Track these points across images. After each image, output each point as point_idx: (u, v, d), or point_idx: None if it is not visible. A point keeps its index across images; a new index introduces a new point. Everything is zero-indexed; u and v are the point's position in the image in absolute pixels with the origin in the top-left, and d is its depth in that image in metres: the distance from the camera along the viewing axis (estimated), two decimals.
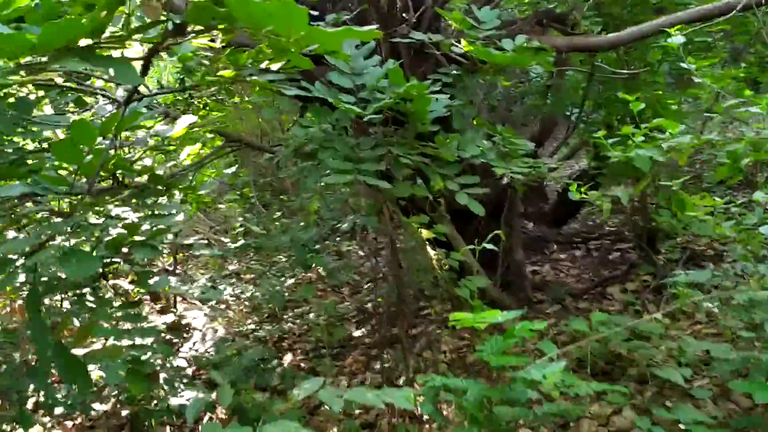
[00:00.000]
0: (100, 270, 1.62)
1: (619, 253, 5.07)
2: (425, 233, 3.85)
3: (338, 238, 4.26)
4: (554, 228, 5.68)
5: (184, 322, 5.49)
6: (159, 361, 3.14)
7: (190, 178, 3.17)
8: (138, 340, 1.94)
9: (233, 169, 6.34)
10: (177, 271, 5.30)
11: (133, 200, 1.49)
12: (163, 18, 1.12)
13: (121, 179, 1.53)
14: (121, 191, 1.51)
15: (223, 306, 5.75)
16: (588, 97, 4.03)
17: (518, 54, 2.92)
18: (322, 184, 2.74)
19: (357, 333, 5.24)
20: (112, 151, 1.55)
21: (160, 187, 1.57)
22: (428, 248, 4.05)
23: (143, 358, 2.01)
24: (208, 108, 2.90)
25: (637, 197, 2.27)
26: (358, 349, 4.92)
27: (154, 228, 1.46)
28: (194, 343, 4.03)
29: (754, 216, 2.38)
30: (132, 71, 1.01)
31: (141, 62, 1.19)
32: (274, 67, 1.49)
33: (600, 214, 6.20)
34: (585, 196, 2.34)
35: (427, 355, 4.53)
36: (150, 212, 1.46)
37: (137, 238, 1.43)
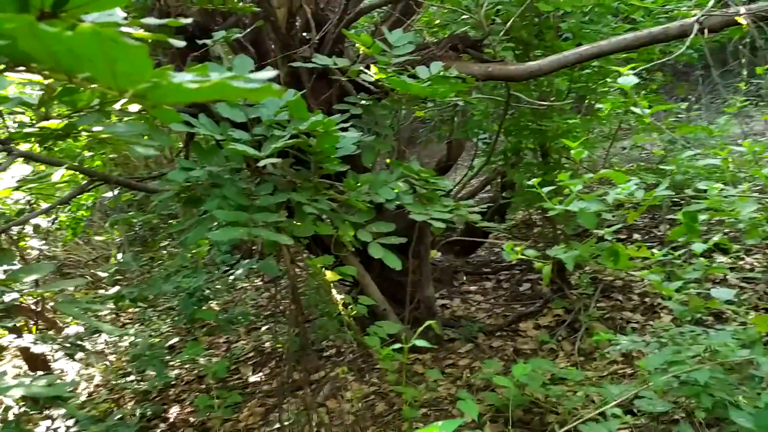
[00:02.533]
0: None
1: (530, 285, 4.89)
2: (330, 275, 3.47)
3: (231, 278, 3.78)
4: (462, 257, 5.45)
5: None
6: None
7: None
8: None
9: (116, 191, 5.68)
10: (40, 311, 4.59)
11: None
12: None
13: None
14: None
15: (99, 349, 5.10)
16: (502, 126, 3.79)
17: (436, 83, 2.61)
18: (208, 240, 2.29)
19: (254, 378, 4.76)
20: None
21: None
22: (333, 291, 3.66)
23: None
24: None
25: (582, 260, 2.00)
26: (255, 398, 4.45)
27: None
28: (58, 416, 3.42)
29: (692, 268, 2.17)
30: None
31: None
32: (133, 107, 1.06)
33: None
34: (523, 257, 2.05)
35: (332, 404, 4.14)
36: None
37: None
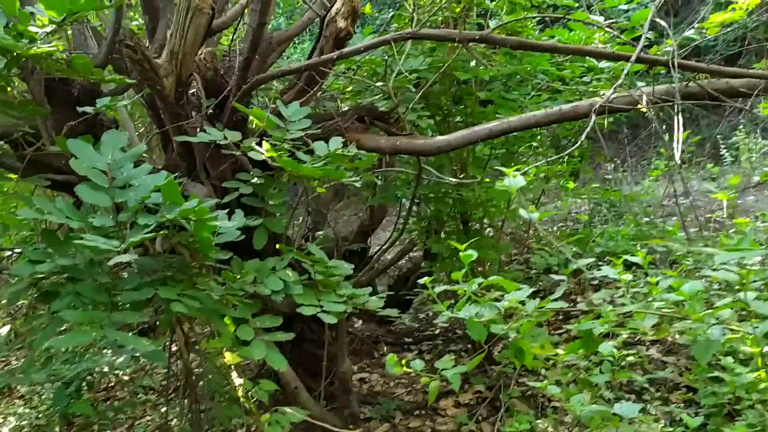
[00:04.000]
0: None
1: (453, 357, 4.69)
2: (230, 357, 3.19)
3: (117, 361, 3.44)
4: (384, 325, 5.23)
5: None
6: None
7: None
8: None
9: None
10: None
11: None
12: None
13: None
14: None
15: None
16: (414, 198, 3.66)
17: (333, 161, 2.43)
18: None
19: None
20: None
21: None
22: (234, 375, 3.37)
23: None
24: None
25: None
26: None
27: None
28: None
29: (599, 371, 2.03)
30: None
31: None
32: None
33: (431, 305, 5.88)
34: (407, 369, 1.86)
35: None
36: None
37: None
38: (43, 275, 1.97)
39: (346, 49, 2.69)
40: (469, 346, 4.66)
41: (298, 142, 2.52)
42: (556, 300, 1.60)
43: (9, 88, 2.33)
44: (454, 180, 3.16)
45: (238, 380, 3.32)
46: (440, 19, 4.04)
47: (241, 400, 3.28)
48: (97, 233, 1.98)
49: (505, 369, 4.13)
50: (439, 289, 1.81)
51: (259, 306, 2.22)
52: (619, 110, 2.52)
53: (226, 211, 2.09)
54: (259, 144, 2.46)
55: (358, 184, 2.35)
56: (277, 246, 2.42)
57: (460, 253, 1.73)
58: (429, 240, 4.36)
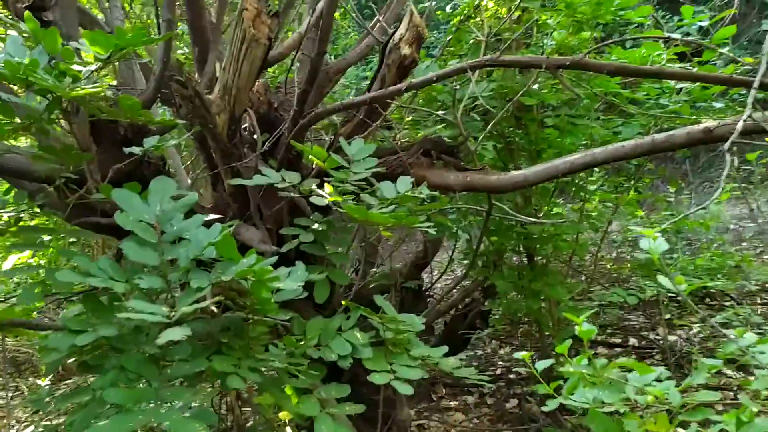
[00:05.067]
0: None
1: (518, 401, 4.35)
2: (284, 414, 2.94)
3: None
4: None
5: None
6: None
7: None
8: None
9: None
10: None
11: None
12: None
13: None
14: None
15: None
16: (482, 236, 3.37)
17: (402, 203, 2.18)
18: None
19: None
20: None
21: None
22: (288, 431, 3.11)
23: None
24: None
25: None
26: None
27: None
28: None
29: None
30: None
31: None
32: None
33: (489, 344, 5.56)
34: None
35: None
36: None
37: None
38: (77, 350, 1.74)
39: (417, 80, 2.43)
40: (532, 393, 4.32)
41: (361, 182, 2.27)
42: (698, 384, 1.29)
43: (49, 132, 2.13)
44: (531, 220, 2.85)
45: None
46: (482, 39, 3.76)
47: None
48: (143, 296, 1.76)
49: (582, 420, 3.78)
50: (542, 364, 1.52)
51: (324, 373, 1.96)
52: (725, 139, 2.20)
53: (288, 272, 1.84)
54: (320, 185, 2.22)
55: (433, 231, 2.08)
56: (343, 302, 2.15)
57: (577, 328, 1.44)
58: (492, 276, 4.06)
